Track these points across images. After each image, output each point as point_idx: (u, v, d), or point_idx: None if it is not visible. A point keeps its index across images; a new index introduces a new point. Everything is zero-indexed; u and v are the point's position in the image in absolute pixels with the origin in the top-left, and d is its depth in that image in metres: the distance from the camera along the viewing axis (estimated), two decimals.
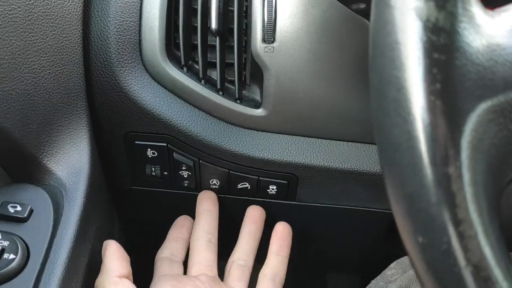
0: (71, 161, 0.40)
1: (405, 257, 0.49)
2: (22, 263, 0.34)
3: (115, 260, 0.41)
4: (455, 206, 0.20)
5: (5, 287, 0.33)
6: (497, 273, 0.20)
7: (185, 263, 0.49)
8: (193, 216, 0.52)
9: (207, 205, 0.51)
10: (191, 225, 0.52)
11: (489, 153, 0.22)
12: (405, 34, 0.21)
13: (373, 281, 0.48)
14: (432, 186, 0.20)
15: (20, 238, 0.35)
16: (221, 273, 0.49)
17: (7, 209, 0.36)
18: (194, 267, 0.47)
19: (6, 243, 0.34)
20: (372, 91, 0.22)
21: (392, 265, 0.48)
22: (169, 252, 0.49)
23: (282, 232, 0.51)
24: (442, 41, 0.21)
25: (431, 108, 0.20)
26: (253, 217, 0.52)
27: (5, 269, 0.33)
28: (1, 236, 0.35)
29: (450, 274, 0.21)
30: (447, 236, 0.20)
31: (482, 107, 0.22)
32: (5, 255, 0.34)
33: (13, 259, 0.34)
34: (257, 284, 0.49)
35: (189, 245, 0.50)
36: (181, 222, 0.52)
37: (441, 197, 0.20)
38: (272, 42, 0.43)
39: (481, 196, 0.21)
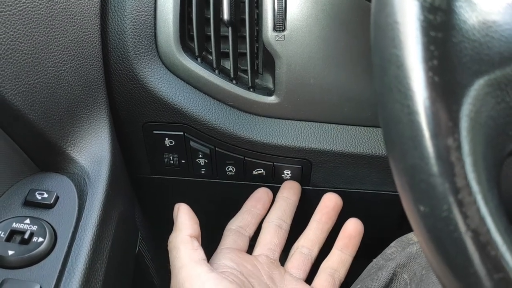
0: (93, 150, 0.42)
1: (405, 235, 0.49)
2: (50, 246, 0.36)
3: (187, 220, 0.43)
4: (454, 175, 0.21)
5: (36, 268, 0.35)
6: (496, 237, 0.21)
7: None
8: (206, 204, 0.53)
9: (287, 194, 0.51)
10: (268, 200, 0.51)
11: (487, 124, 0.22)
12: (404, 14, 0.22)
13: (374, 260, 0.49)
14: (432, 157, 0.21)
15: (48, 223, 0.37)
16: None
17: (35, 196, 0.38)
18: (258, 247, 0.48)
19: (34, 228, 0.36)
20: (375, 69, 0.23)
21: (392, 244, 0.49)
22: (239, 223, 0.49)
23: (351, 230, 0.49)
24: (439, 19, 0.22)
25: (430, 83, 0.21)
26: (326, 207, 0.51)
27: (34, 251, 0.35)
28: (30, 221, 0.37)
29: (450, 240, 0.22)
30: (447, 204, 0.21)
31: (479, 81, 0.22)
32: (34, 239, 0.36)
33: (41, 242, 0.36)
34: (316, 276, 0.49)
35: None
36: (259, 195, 0.51)
37: (440, 167, 0.21)
38: (283, 30, 0.44)
39: (480, 166, 0.22)
